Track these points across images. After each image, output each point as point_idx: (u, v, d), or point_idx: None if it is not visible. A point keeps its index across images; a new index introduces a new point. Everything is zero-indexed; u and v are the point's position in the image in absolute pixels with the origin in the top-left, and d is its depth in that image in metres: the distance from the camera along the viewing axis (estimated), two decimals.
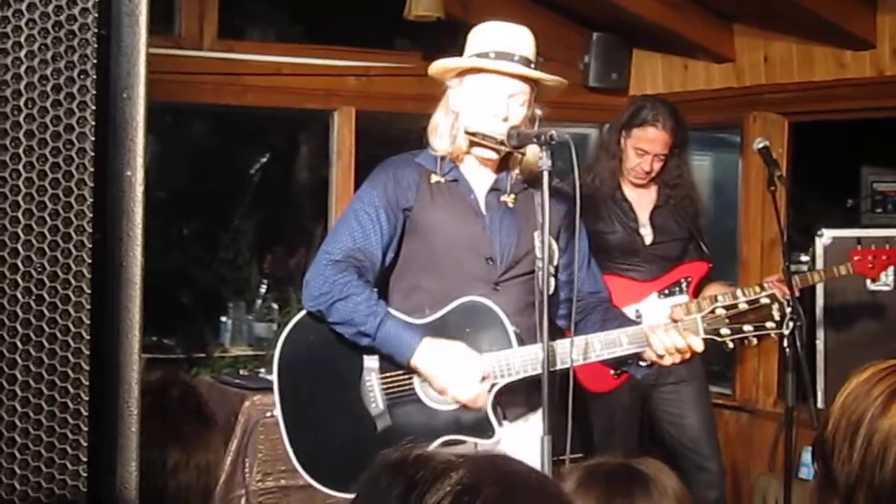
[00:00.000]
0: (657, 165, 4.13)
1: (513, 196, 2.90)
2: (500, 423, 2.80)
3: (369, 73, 4.84)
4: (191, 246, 6.68)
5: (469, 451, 1.95)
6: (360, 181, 3.16)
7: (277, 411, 2.90)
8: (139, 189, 1.15)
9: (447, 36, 4.22)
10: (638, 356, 2.84)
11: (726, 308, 2.84)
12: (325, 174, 5.00)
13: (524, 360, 2.76)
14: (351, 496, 1.18)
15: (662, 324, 2.84)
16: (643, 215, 4.21)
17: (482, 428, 2.79)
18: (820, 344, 4.55)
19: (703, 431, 4.24)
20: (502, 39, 2.81)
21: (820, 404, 4.09)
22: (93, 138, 1.13)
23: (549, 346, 2.59)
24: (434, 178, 2.88)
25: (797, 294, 3.75)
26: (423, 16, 4.50)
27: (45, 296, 1.11)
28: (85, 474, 1.12)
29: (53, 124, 1.12)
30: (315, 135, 6.19)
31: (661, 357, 2.79)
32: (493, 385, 2.77)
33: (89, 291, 1.13)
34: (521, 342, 2.78)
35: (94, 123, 1.13)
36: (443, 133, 2.87)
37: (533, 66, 2.81)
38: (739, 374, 4.98)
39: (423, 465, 1.09)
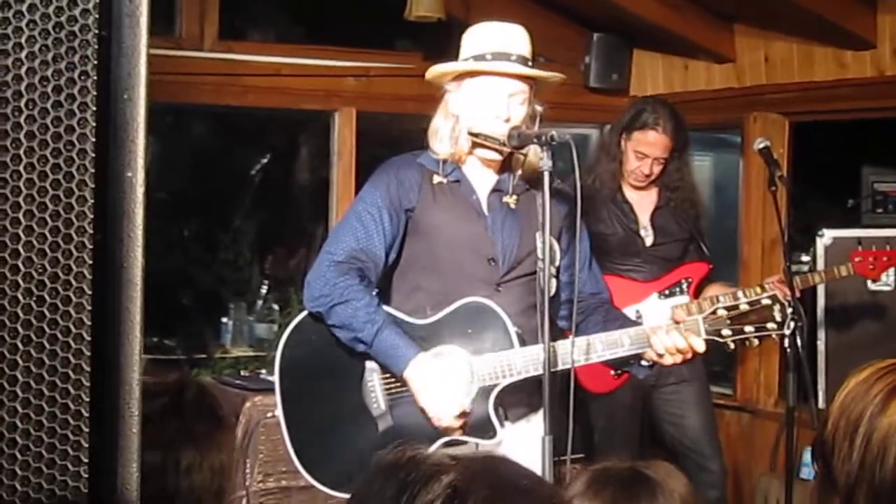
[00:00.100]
0: (657, 169, 4.13)
1: (515, 197, 2.90)
2: (501, 424, 2.80)
3: (370, 74, 4.84)
4: (191, 247, 6.68)
5: (467, 452, 1.95)
6: (361, 182, 3.16)
7: (279, 412, 2.89)
8: (140, 190, 1.15)
9: (448, 36, 4.21)
10: (639, 357, 2.84)
11: (727, 309, 2.84)
12: (326, 175, 5.00)
13: (526, 361, 2.76)
14: None
15: (664, 324, 2.84)
16: (644, 217, 4.21)
17: (483, 428, 2.79)
18: (821, 344, 4.55)
19: (704, 432, 4.24)
20: (498, 40, 2.81)
21: (821, 405, 4.08)
22: (93, 139, 1.13)
23: (551, 347, 2.59)
24: (436, 179, 2.88)
25: (798, 295, 3.75)
26: (423, 16, 4.50)
27: (46, 297, 1.11)
28: (86, 475, 1.12)
29: (54, 125, 1.12)
30: (315, 135, 6.19)
31: (661, 356, 2.79)
32: (494, 386, 2.78)
33: (90, 292, 1.13)
34: (523, 343, 2.78)
35: (94, 124, 1.13)
36: (443, 137, 2.87)
37: (530, 63, 2.81)
38: (740, 375, 4.97)
39: (416, 467, 1.10)
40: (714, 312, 2.85)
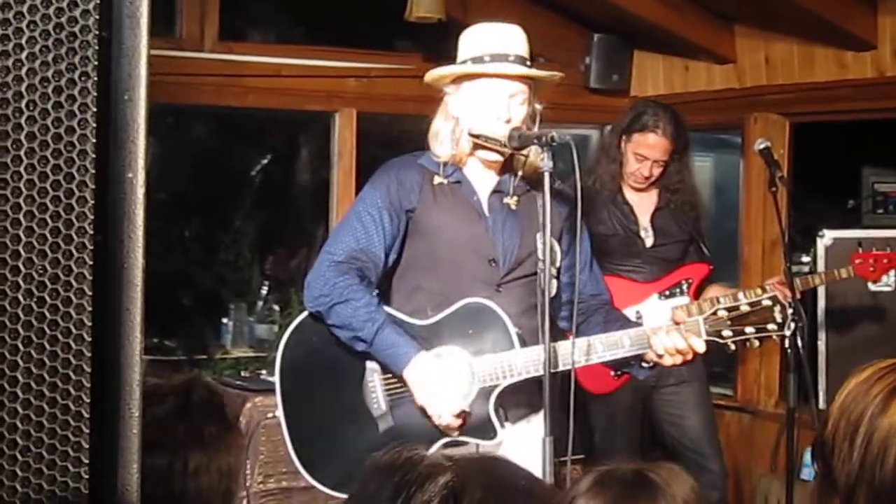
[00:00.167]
0: (657, 171, 4.13)
1: (516, 198, 2.89)
2: (501, 425, 2.80)
3: (370, 75, 4.84)
4: (192, 247, 6.68)
5: (466, 452, 1.95)
6: (362, 183, 3.16)
7: (279, 412, 2.89)
8: (140, 191, 1.15)
9: (448, 37, 4.21)
10: (640, 357, 2.84)
11: (728, 310, 2.84)
12: (326, 176, 5.00)
13: (526, 362, 2.75)
14: None
15: (664, 325, 2.84)
16: (644, 218, 4.21)
17: (484, 429, 2.79)
18: (821, 345, 4.55)
19: (704, 432, 4.23)
20: (496, 41, 2.80)
21: (821, 405, 4.08)
22: (94, 140, 1.13)
23: (552, 348, 2.59)
24: (437, 180, 2.88)
25: (798, 296, 3.75)
26: (423, 17, 4.49)
27: (47, 298, 1.11)
28: (86, 476, 1.12)
29: (54, 126, 1.12)
30: (316, 136, 6.19)
31: (661, 357, 2.79)
32: (494, 386, 2.78)
33: (90, 293, 1.13)
34: (524, 343, 2.78)
35: (95, 125, 1.13)
36: (444, 139, 2.87)
37: (528, 63, 2.81)
38: (741, 375, 4.97)
39: (412, 467, 1.10)
40: (714, 313, 2.85)
